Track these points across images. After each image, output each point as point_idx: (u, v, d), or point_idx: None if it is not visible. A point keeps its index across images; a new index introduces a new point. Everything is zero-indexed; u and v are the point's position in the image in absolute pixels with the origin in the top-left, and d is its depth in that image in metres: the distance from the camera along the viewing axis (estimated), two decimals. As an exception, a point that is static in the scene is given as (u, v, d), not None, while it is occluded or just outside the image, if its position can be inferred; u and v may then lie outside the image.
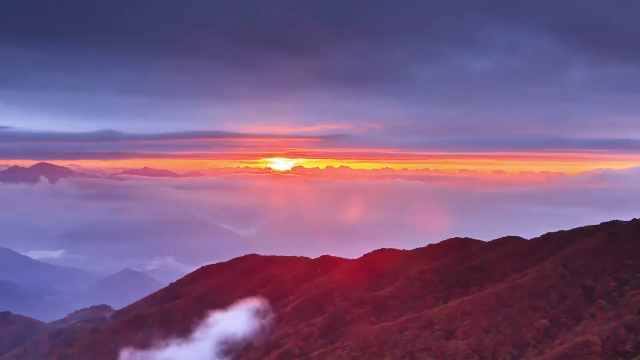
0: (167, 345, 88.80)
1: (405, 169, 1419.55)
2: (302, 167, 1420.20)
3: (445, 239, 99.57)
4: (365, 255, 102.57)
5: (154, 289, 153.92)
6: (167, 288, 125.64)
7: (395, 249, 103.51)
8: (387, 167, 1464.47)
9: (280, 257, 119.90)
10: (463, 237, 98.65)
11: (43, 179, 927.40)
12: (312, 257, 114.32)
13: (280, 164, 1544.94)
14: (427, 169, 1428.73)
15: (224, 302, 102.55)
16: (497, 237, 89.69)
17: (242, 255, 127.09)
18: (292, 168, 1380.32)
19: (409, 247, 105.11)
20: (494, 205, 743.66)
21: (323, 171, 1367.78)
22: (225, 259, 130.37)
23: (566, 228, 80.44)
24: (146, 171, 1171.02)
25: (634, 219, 72.14)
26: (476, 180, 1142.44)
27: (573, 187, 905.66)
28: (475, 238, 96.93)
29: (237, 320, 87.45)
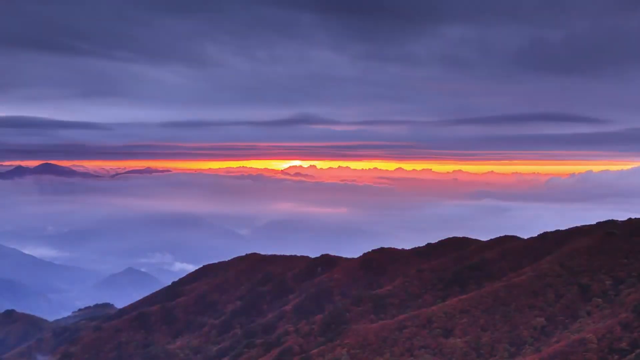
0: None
1: (402, 169, 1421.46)
2: (302, 166, 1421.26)
3: (443, 238, 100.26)
4: (364, 254, 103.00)
5: (156, 287, 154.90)
6: (169, 287, 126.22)
7: (394, 248, 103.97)
8: (387, 168, 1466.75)
9: (280, 256, 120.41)
10: (461, 236, 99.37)
11: (47, 178, 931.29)
12: (312, 256, 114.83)
13: (281, 164, 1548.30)
14: (428, 169, 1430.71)
15: (224, 300, 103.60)
16: (494, 237, 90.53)
17: (243, 254, 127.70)
18: (292, 167, 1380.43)
19: (408, 246, 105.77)
20: (487, 205, 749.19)
21: (323, 171, 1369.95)
22: (226, 258, 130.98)
23: (562, 227, 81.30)
24: (149, 171, 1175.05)
25: (630, 219, 72.92)
26: (467, 181, 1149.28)
27: (571, 187, 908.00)
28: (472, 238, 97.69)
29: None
